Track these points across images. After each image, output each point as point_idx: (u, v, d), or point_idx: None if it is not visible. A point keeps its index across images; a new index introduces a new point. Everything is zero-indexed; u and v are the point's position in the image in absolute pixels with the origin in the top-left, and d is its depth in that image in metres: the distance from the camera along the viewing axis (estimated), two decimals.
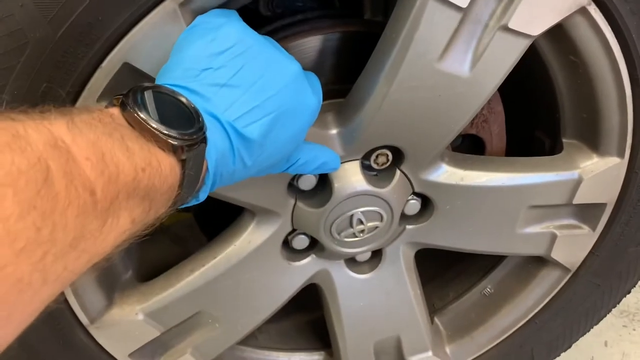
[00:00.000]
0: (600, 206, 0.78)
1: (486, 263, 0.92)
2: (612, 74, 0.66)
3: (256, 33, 0.55)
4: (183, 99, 0.46)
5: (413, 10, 0.57)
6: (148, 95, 0.43)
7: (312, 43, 0.72)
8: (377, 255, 0.81)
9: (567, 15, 0.60)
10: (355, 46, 0.72)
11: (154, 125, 0.41)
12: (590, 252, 0.83)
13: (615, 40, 0.64)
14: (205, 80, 0.49)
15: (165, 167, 0.42)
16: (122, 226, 0.39)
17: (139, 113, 0.41)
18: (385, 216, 0.74)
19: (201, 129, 0.45)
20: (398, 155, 0.71)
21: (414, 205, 0.76)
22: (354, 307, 0.82)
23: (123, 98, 0.42)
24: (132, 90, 0.43)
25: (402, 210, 0.76)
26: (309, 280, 0.79)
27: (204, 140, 0.46)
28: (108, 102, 0.43)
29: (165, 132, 0.42)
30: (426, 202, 0.77)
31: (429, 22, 0.57)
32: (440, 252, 0.84)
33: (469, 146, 0.81)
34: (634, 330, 1.27)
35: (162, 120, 0.43)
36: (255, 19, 0.77)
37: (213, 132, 0.48)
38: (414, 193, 0.75)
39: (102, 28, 0.50)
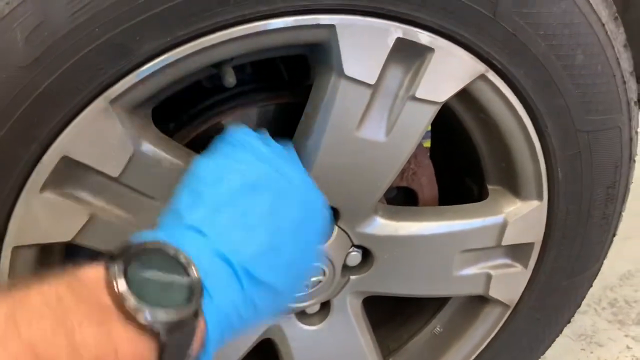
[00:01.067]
0: (529, 245, 0.84)
1: (434, 303, 0.97)
2: (519, 129, 0.73)
3: (272, 154, 0.54)
4: (177, 259, 0.43)
5: (328, 88, 0.64)
6: (138, 261, 0.40)
7: (248, 115, 0.78)
8: (325, 306, 0.85)
9: (468, 82, 0.67)
10: (287, 115, 0.78)
11: (129, 304, 0.38)
12: (526, 288, 0.88)
13: (517, 100, 0.70)
14: (218, 220, 0.46)
15: (125, 355, 0.37)
16: None
17: (119, 287, 0.38)
18: (327, 270, 0.78)
19: (193, 306, 0.41)
20: (334, 213, 0.76)
21: (355, 257, 0.81)
22: (307, 358, 0.85)
23: (109, 260, 0.39)
24: (122, 251, 0.40)
25: (345, 262, 0.81)
26: (262, 335, 0.83)
27: (195, 315, 0.42)
28: (96, 261, 0.40)
29: (146, 318, 0.38)
30: (366, 253, 0.82)
31: (343, 98, 0.64)
32: (391, 296, 0.88)
33: (403, 197, 0.87)
34: (592, 353, 1.32)
35: (145, 292, 0.39)
36: (198, 92, 0.83)
37: (221, 278, 0.45)
38: (354, 245, 0.80)
39: (39, 128, 0.55)
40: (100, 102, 0.56)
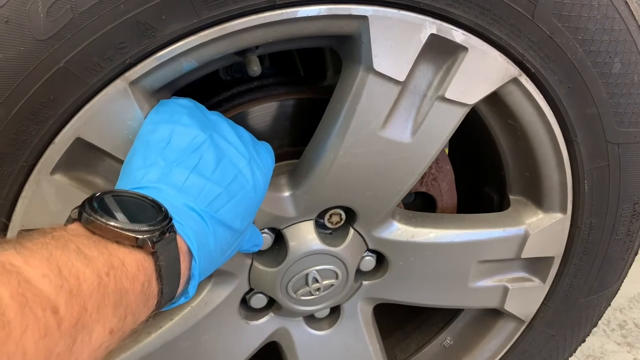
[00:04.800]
0: (549, 259, 0.81)
1: (445, 315, 0.94)
2: (548, 137, 0.70)
3: (209, 118, 0.57)
4: (141, 195, 0.46)
5: (355, 83, 0.61)
6: (105, 199, 0.43)
7: (268, 109, 0.75)
8: (335, 311, 0.83)
9: (500, 85, 0.64)
10: (308, 111, 0.75)
11: (113, 224, 0.41)
12: (543, 303, 0.85)
13: (548, 106, 0.68)
14: (169, 179, 0.51)
15: (130, 265, 0.41)
16: (96, 341, 0.37)
17: (97, 216, 0.41)
18: (340, 274, 0.75)
19: (165, 218, 0.45)
20: (351, 215, 0.73)
21: (369, 262, 0.78)
22: None
23: (80, 208, 0.42)
24: (87, 199, 0.43)
25: (358, 267, 0.78)
26: (268, 338, 0.80)
27: (171, 229, 0.45)
28: (67, 219, 0.43)
29: (127, 227, 0.42)
30: (381, 259, 0.79)
31: (370, 94, 0.61)
32: (402, 304, 0.86)
33: (421, 203, 0.84)
34: None
35: (120, 214, 0.42)
36: (214, 84, 0.81)
37: (189, 220, 0.49)
38: (369, 250, 0.77)
39: (54, 107, 0.53)
40: (119, 83, 0.54)
